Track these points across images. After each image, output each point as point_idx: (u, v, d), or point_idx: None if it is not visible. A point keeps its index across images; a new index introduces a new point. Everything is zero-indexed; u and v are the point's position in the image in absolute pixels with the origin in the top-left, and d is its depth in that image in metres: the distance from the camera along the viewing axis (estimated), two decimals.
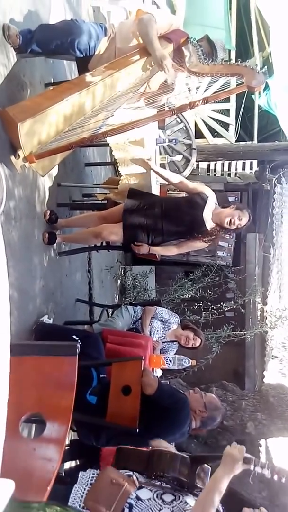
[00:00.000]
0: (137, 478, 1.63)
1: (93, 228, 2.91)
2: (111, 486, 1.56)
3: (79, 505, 1.54)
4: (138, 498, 1.54)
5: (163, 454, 1.76)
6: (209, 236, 2.77)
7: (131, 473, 1.65)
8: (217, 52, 2.46)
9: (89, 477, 1.64)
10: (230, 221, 2.67)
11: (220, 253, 5.98)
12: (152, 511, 1.50)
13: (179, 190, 3.12)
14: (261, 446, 5.23)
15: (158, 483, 1.63)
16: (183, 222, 2.78)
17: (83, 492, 1.58)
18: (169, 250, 2.91)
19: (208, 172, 6.73)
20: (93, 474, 1.66)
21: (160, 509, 1.50)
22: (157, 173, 2.96)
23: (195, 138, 6.13)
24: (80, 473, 1.65)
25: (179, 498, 1.54)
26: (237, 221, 2.66)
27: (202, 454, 1.71)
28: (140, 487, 1.58)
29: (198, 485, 1.59)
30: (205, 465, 1.68)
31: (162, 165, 3.47)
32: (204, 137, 7.05)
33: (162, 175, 2.93)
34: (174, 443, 4.02)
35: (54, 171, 3.05)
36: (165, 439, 2.15)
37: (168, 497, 1.55)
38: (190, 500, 1.53)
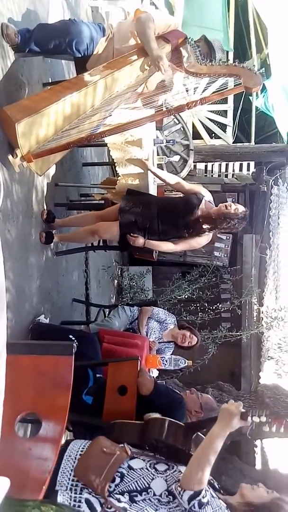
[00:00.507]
0: (130, 449, 1.60)
1: (90, 226, 2.92)
2: (102, 455, 1.54)
3: (69, 477, 1.50)
4: (130, 467, 1.52)
5: (157, 420, 1.74)
6: (202, 231, 2.76)
7: (123, 444, 1.62)
8: (215, 53, 2.46)
9: (79, 448, 1.60)
10: (225, 205, 2.67)
11: (216, 253, 6.00)
12: (144, 480, 1.48)
13: (176, 191, 3.12)
14: (256, 446, 5.24)
15: (152, 454, 1.61)
16: (179, 221, 2.79)
17: (74, 463, 1.54)
18: (165, 246, 2.91)
19: (205, 173, 6.74)
20: (84, 444, 1.62)
21: (153, 478, 1.48)
22: (154, 173, 2.96)
23: (193, 139, 6.14)
24: (71, 444, 1.61)
25: (173, 468, 1.52)
26: (233, 205, 2.66)
27: (197, 420, 1.69)
28: (132, 457, 1.55)
29: (193, 454, 1.54)
30: (200, 434, 1.66)
31: (160, 166, 3.47)
32: (202, 138, 7.07)
33: (159, 175, 2.94)
34: None
35: (52, 171, 3.05)
36: None
37: (161, 467, 1.53)
38: (184, 469, 1.49)
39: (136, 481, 1.48)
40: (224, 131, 7.19)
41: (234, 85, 2.33)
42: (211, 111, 7.08)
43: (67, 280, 3.49)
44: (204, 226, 2.73)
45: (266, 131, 7.74)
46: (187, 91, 2.78)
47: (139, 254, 2.97)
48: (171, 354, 3.22)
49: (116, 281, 5.85)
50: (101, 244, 3.42)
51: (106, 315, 3.61)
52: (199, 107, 6.65)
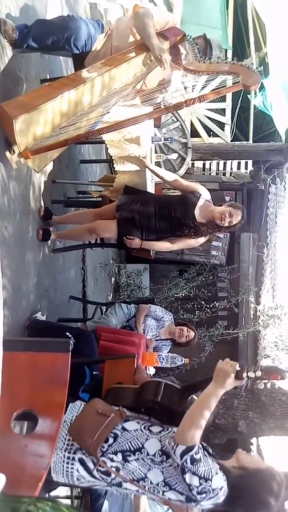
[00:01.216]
0: (125, 412, 1.61)
1: (87, 224, 2.91)
2: (97, 416, 1.56)
3: (65, 437, 1.53)
4: (124, 429, 1.54)
5: (153, 382, 1.76)
6: (200, 233, 2.77)
7: (119, 407, 1.64)
8: (213, 50, 2.46)
9: (78, 409, 1.62)
10: (221, 217, 2.67)
11: (214, 252, 6.00)
12: (138, 440, 1.50)
13: (174, 189, 3.12)
14: (252, 444, 5.26)
15: (147, 417, 1.62)
16: (176, 219, 2.79)
17: (70, 422, 1.56)
18: (162, 246, 2.91)
19: (203, 171, 6.74)
20: (83, 405, 1.65)
21: (147, 439, 1.50)
22: (152, 171, 2.96)
23: (191, 137, 6.14)
24: (70, 405, 1.63)
25: (167, 429, 1.54)
26: (228, 217, 2.66)
27: (193, 382, 1.70)
28: (127, 420, 1.57)
29: None
30: (195, 396, 1.66)
31: (158, 163, 3.47)
32: (200, 136, 7.06)
33: (157, 173, 2.94)
34: None
35: (49, 168, 3.04)
36: None
37: (156, 429, 1.55)
38: None
39: (130, 442, 1.50)
40: (222, 130, 7.18)
41: (233, 83, 2.32)
42: (209, 109, 7.07)
43: (64, 278, 3.49)
44: (202, 228, 2.74)
45: (264, 129, 7.74)
46: (185, 89, 2.78)
47: (136, 252, 2.97)
48: (168, 352, 3.23)
49: (113, 279, 5.84)
50: (98, 241, 3.42)
51: (103, 312, 3.61)
52: (198, 105, 6.65)
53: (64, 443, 1.52)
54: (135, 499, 2.33)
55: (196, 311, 5.19)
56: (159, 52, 2.30)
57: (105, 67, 2.38)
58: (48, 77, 2.98)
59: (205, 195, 2.81)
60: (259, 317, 5.40)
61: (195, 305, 5.23)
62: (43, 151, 2.29)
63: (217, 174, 6.74)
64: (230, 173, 6.71)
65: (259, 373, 1.45)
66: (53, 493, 2.76)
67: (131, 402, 1.70)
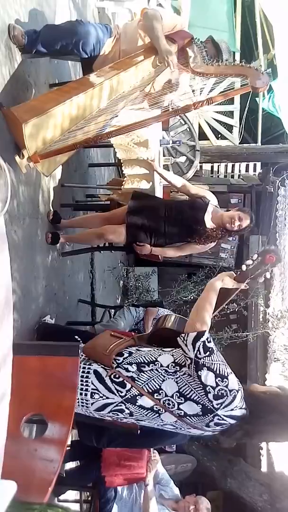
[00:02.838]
0: (137, 339, 1.70)
1: (96, 229, 2.92)
2: (111, 337, 1.66)
3: (80, 356, 1.59)
4: (138, 349, 1.61)
5: (167, 315, 1.81)
6: (210, 238, 2.77)
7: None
8: (223, 54, 2.45)
9: None
10: (231, 221, 2.66)
11: (223, 255, 5.97)
12: (152, 355, 1.55)
13: (182, 193, 3.12)
14: (262, 449, 5.21)
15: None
16: (185, 225, 2.78)
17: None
18: (171, 252, 2.92)
19: (211, 173, 6.73)
20: None
21: (160, 354, 1.54)
22: (161, 175, 2.96)
23: (199, 139, 6.12)
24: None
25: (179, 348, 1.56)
26: (238, 221, 2.65)
27: None
28: (140, 346, 1.64)
29: None
30: None
31: (166, 167, 3.46)
32: (208, 139, 7.06)
33: (165, 177, 2.94)
34: (175, 446, 4.01)
35: (58, 172, 3.05)
36: (166, 441, 2.14)
37: (167, 349, 1.58)
38: None
39: (144, 356, 1.55)
40: (231, 132, 7.17)
41: (241, 86, 2.31)
42: (217, 112, 7.07)
43: (72, 281, 3.50)
44: (212, 234, 2.74)
45: (272, 132, 7.71)
46: (193, 91, 2.77)
47: (145, 255, 2.97)
48: None
49: (121, 282, 5.84)
50: (107, 245, 3.42)
51: (112, 315, 3.61)
52: (206, 108, 6.64)
53: (81, 356, 1.60)
54: (144, 503, 2.32)
55: None
56: (166, 53, 2.31)
57: (113, 71, 2.39)
58: (56, 82, 3.00)
59: (213, 201, 2.81)
60: (269, 320, 5.36)
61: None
62: (52, 155, 2.30)
63: (225, 176, 6.73)
64: (239, 175, 6.69)
65: (255, 256, 1.49)
66: (62, 497, 2.76)
67: (144, 342, 1.76)
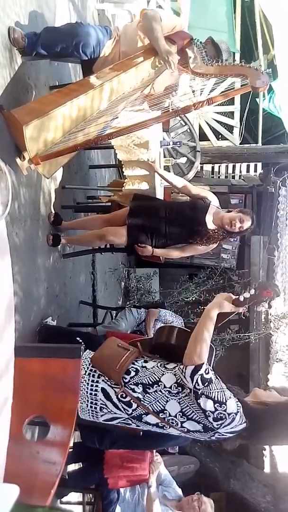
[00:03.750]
0: (142, 350, 1.74)
1: (97, 230, 2.92)
2: (118, 348, 1.70)
3: (88, 366, 1.66)
4: (143, 366, 1.64)
5: (164, 327, 1.86)
6: (212, 240, 2.76)
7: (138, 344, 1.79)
8: (223, 54, 2.45)
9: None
10: (231, 223, 2.66)
11: (224, 255, 5.97)
12: (155, 375, 1.59)
13: (183, 194, 3.12)
14: (265, 450, 5.20)
15: (161, 359, 1.71)
16: (186, 226, 2.78)
17: (89, 353, 1.72)
18: (173, 253, 2.91)
19: (212, 174, 6.73)
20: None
21: (163, 374, 1.58)
22: (161, 176, 2.96)
23: (200, 140, 6.12)
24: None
25: (181, 365, 1.58)
26: (239, 223, 2.65)
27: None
28: (146, 361, 1.67)
29: None
30: None
31: (166, 167, 3.47)
32: (209, 140, 7.06)
33: (166, 178, 2.93)
34: (178, 447, 4.00)
35: (59, 174, 3.06)
36: (169, 443, 2.13)
37: (170, 366, 1.62)
38: None
39: (148, 377, 1.59)
40: (231, 133, 7.17)
41: (241, 86, 2.31)
42: (217, 113, 7.07)
43: (74, 283, 3.49)
44: (213, 235, 2.73)
45: (273, 132, 7.71)
46: (193, 92, 2.77)
47: (146, 257, 2.96)
48: None
49: (123, 283, 5.84)
50: (108, 246, 3.42)
51: (113, 317, 3.61)
52: (206, 109, 6.65)
53: (87, 367, 1.65)
54: (147, 505, 2.32)
55: None
56: (166, 54, 2.30)
57: (113, 72, 2.39)
58: (57, 84, 3.00)
59: (214, 201, 2.81)
60: (271, 321, 5.35)
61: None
62: (53, 157, 2.30)
63: (226, 177, 6.72)
64: (240, 176, 6.69)
65: (252, 291, 1.51)
66: (65, 499, 2.76)
67: (148, 348, 1.80)
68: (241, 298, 1.52)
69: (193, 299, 5.38)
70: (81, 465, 2.78)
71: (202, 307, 5.25)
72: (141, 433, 1.95)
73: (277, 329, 5.20)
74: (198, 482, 4.64)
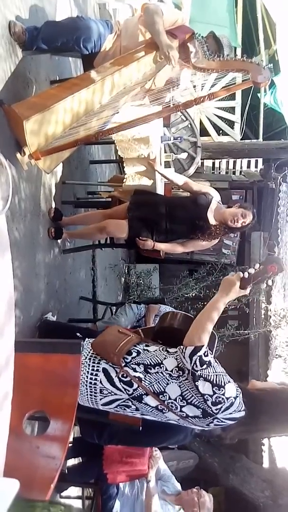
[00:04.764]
0: (143, 335, 1.74)
1: (98, 223, 2.91)
2: (119, 334, 1.71)
3: (89, 351, 1.66)
4: (145, 349, 1.65)
5: (167, 312, 1.86)
6: (213, 235, 2.77)
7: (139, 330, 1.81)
8: (224, 49, 2.43)
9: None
10: (233, 219, 2.65)
11: (224, 251, 5.96)
12: (157, 357, 1.60)
13: (184, 191, 3.11)
14: (264, 445, 5.22)
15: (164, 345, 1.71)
16: (187, 221, 2.78)
17: (89, 342, 1.72)
18: (174, 248, 2.91)
19: (213, 170, 6.70)
20: None
21: (165, 358, 1.59)
22: (162, 174, 2.95)
23: (200, 136, 6.10)
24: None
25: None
26: (241, 218, 2.65)
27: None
28: (147, 345, 1.68)
29: None
30: None
31: (167, 163, 3.45)
32: (209, 135, 7.03)
33: (166, 176, 2.93)
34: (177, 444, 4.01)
35: (59, 169, 3.05)
36: (168, 440, 2.14)
37: (172, 350, 1.62)
38: None
39: (150, 358, 1.60)
40: (232, 128, 7.14)
41: (242, 81, 2.30)
42: (218, 108, 7.04)
43: (74, 278, 3.50)
44: (215, 230, 2.73)
45: (274, 127, 7.68)
46: (194, 87, 2.76)
47: (146, 252, 2.96)
48: None
49: (123, 279, 5.84)
50: (108, 242, 3.42)
51: (113, 313, 3.61)
52: (207, 104, 6.62)
53: (88, 353, 1.66)
54: (146, 499, 2.33)
55: None
56: (167, 48, 2.29)
57: (114, 67, 2.38)
58: (57, 78, 2.99)
59: (216, 197, 2.80)
60: (270, 317, 5.36)
61: (205, 305, 5.18)
62: (53, 152, 2.29)
63: (227, 173, 6.70)
64: (240, 171, 6.66)
65: (257, 266, 1.51)
66: (64, 494, 2.77)
67: (150, 335, 1.80)
68: (246, 275, 1.51)
69: (193, 295, 5.38)
70: (81, 460, 2.80)
71: (202, 303, 5.27)
72: (140, 427, 1.96)
73: (277, 327, 5.21)
74: (197, 477, 4.67)
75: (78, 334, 2.26)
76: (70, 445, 2.56)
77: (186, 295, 5.35)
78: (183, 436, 2.20)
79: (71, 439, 2.53)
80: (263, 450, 5.23)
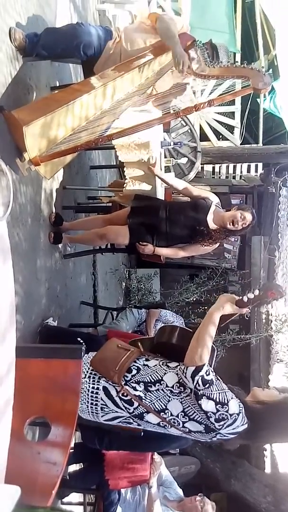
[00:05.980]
0: (142, 349, 1.73)
1: (98, 229, 2.92)
2: (118, 349, 1.70)
3: (88, 369, 1.65)
4: (145, 364, 1.64)
5: (166, 327, 1.87)
6: (214, 240, 2.76)
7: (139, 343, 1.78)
8: (219, 55, 2.45)
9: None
10: (233, 221, 2.65)
11: (226, 255, 5.96)
12: (158, 373, 1.58)
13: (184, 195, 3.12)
14: (266, 450, 5.20)
15: (163, 358, 1.70)
16: (188, 226, 2.78)
17: (89, 357, 1.71)
18: (174, 252, 2.91)
19: (213, 174, 6.73)
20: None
21: (165, 373, 1.58)
22: (162, 179, 2.96)
23: (200, 140, 6.12)
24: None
25: (183, 364, 1.57)
26: (240, 220, 2.64)
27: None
28: (147, 359, 1.67)
29: None
30: None
31: (167, 168, 3.46)
32: (209, 140, 7.06)
33: (166, 181, 2.93)
34: (179, 449, 3.99)
35: (60, 174, 3.06)
36: (169, 445, 2.13)
37: (172, 364, 1.62)
38: None
39: (150, 375, 1.59)
40: (232, 133, 7.17)
41: (242, 87, 2.31)
42: (218, 113, 7.07)
43: (75, 283, 3.50)
44: (215, 234, 2.73)
45: (274, 132, 7.71)
46: (194, 93, 2.78)
47: (147, 257, 2.97)
48: None
49: (124, 284, 5.84)
50: (108, 247, 3.42)
51: (114, 317, 3.61)
52: (207, 109, 6.64)
53: (87, 371, 1.64)
54: (148, 505, 2.32)
55: None
56: (181, 56, 2.29)
57: (114, 73, 2.39)
58: (58, 85, 3.00)
59: (215, 201, 2.81)
60: (271, 321, 5.35)
61: (206, 310, 5.18)
62: (53, 158, 2.30)
63: (227, 177, 6.72)
64: (240, 176, 6.69)
65: (257, 292, 1.51)
66: (66, 500, 2.76)
67: (149, 347, 1.80)
68: (245, 299, 1.52)
69: (194, 299, 5.38)
70: (82, 466, 2.78)
71: (203, 308, 5.26)
72: (142, 433, 1.95)
73: (278, 332, 5.20)
74: (199, 482, 4.65)
75: (79, 339, 2.27)
76: (72, 451, 2.55)
77: (187, 300, 5.34)
78: (184, 441, 2.19)
79: (72, 444, 2.52)
80: (265, 455, 5.21)
